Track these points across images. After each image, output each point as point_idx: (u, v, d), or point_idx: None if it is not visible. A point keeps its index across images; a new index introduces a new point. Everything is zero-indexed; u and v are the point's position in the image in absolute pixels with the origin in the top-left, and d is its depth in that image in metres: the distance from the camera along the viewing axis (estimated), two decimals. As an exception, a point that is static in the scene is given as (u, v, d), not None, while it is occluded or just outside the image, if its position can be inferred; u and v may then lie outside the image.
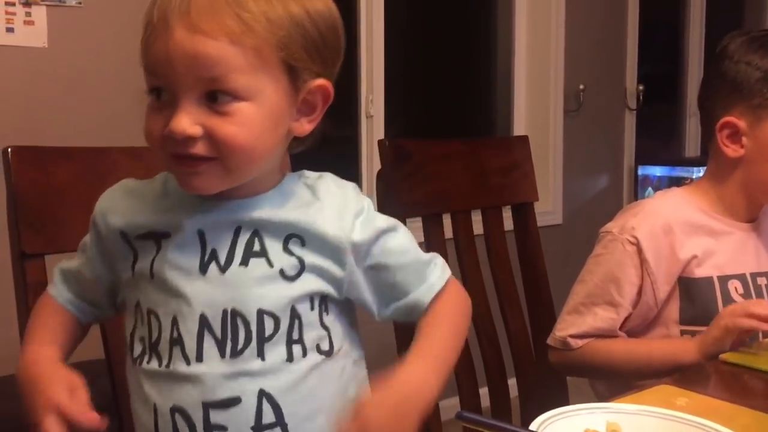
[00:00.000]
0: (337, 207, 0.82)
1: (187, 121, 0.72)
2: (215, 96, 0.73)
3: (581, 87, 2.94)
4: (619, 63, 3.12)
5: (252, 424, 0.77)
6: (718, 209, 1.23)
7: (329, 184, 0.85)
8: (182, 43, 0.72)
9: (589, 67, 2.99)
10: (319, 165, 0.88)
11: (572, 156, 2.98)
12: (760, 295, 1.20)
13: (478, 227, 1.39)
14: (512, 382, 1.38)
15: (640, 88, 3.13)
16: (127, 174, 0.96)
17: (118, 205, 0.84)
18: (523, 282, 1.47)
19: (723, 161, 1.21)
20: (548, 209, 2.93)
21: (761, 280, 1.21)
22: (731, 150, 1.19)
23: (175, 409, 0.77)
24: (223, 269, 0.78)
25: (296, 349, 0.79)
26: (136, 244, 0.82)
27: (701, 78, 1.36)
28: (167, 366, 0.78)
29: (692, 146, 3.42)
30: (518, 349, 1.41)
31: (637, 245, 1.18)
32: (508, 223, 1.45)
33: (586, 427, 0.68)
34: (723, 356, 1.03)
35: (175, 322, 0.78)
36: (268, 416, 0.78)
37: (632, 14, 3.11)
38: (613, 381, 1.21)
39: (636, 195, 3.12)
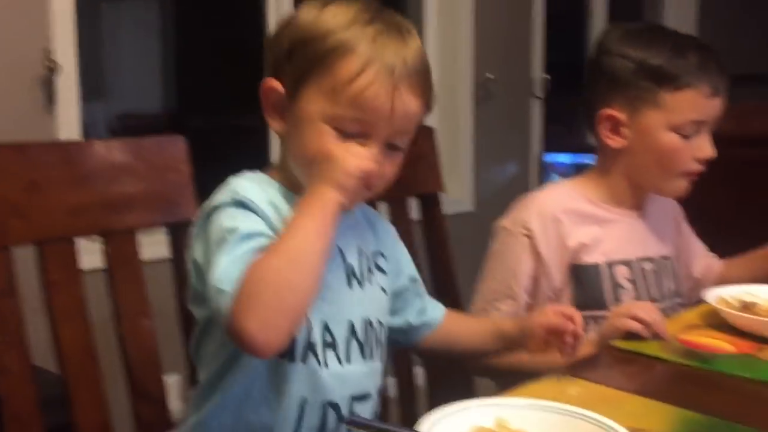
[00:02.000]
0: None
1: (377, 162, 0.84)
2: (395, 145, 0.87)
3: (490, 77, 2.99)
4: (525, 53, 3.18)
5: (371, 414, 0.93)
6: (605, 198, 1.27)
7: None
8: (406, 103, 0.84)
9: (497, 57, 3.03)
10: (229, 157, 0.88)
11: (482, 144, 3.02)
12: (645, 278, 1.24)
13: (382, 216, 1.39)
14: (419, 371, 1.40)
15: (546, 77, 3.20)
16: (9, 171, 0.91)
17: (271, 200, 0.86)
18: (430, 272, 1.48)
19: (607, 152, 1.25)
20: (459, 197, 2.97)
21: (646, 265, 1.26)
22: (613, 141, 1.23)
23: (328, 404, 0.88)
24: (361, 284, 0.92)
25: (383, 353, 0.96)
26: None
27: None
28: (326, 366, 0.87)
29: (596, 134, 3.53)
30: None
31: (530, 237, 1.20)
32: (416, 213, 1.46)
33: (474, 425, 0.69)
34: (614, 342, 1.07)
35: (326, 327, 0.88)
36: (376, 408, 0.95)
37: (538, 5, 3.17)
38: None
39: (543, 182, 3.20)
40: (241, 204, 0.83)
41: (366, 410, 0.92)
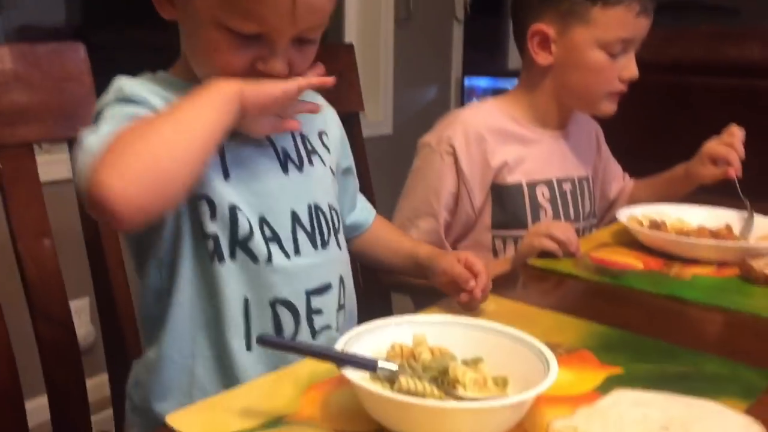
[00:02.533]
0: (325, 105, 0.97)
1: (285, 64, 0.77)
2: (305, 40, 0.78)
3: (411, -4, 2.92)
4: (447, -27, 3.12)
5: (336, 306, 0.88)
6: (528, 118, 1.27)
7: None
8: None
9: (419, -24, 2.97)
10: (136, 74, 0.83)
11: (402, 66, 2.98)
12: (564, 199, 1.26)
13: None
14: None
15: (467, 0, 3.16)
16: None
17: (163, 95, 0.79)
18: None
19: (534, 69, 1.24)
20: (379, 119, 2.94)
21: (566, 185, 1.27)
22: (541, 57, 1.22)
23: (277, 301, 0.82)
24: (300, 168, 0.86)
25: (341, 239, 0.91)
26: None
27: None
28: (268, 261, 0.81)
29: (515, 58, 3.52)
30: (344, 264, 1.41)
31: (454, 155, 1.19)
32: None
33: (392, 341, 0.68)
34: (530, 261, 1.08)
35: (264, 221, 0.82)
36: (342, 298, 0.89)
37: (461, -77, 3.09)
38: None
39: (462, 105, 3.20)
40: (127, 100, 0.76)
41: (329, 302, 0.87)
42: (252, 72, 0.77)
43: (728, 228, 1.16)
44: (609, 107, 1.25)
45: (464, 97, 3.22)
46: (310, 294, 0.85)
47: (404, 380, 0.63)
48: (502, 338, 0.69)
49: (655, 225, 1.17)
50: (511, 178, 1.21)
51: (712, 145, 1.29)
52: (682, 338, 0.83)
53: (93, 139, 0.70)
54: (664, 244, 1.11)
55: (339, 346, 0.64)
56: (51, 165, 1.26)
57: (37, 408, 1.05)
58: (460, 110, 1.28)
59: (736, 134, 1.28)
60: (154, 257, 0.83)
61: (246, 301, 0.81)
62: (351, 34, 2.93)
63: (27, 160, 0.95)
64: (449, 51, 3.21)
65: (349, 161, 1.02)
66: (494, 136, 1.22)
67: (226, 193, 0.79)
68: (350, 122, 1.46)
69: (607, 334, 0.83)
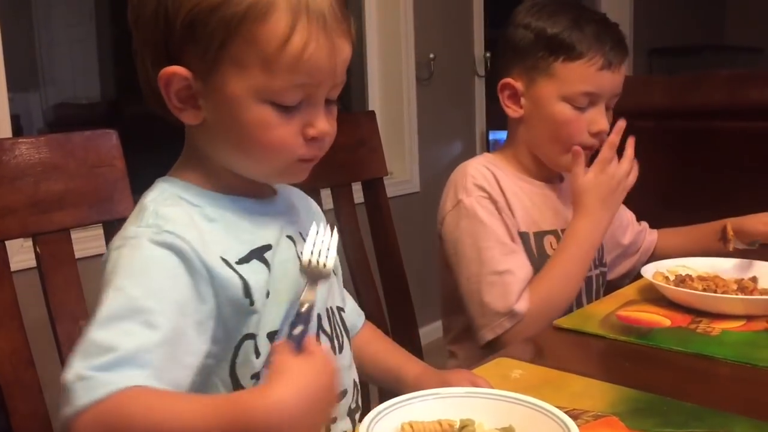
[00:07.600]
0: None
1: (327, 122, 0.76)
2: (331, 101, 0.77)
3: (431, 56, 2.99)
4: (466, 31, 3.19)
5: (347, 410, 0.84)
6: (515, 171, 1.29)
7: None
8: (344, 51, 0.74)
9: (438, 36, 3.04)
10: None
11: (426, 124, 3.03)
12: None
13: (327, 202, 1.39)
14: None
15: (487, 55, 3.22)
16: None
17: (199, 230, 0.73)
18: (376, 256, 1.49)
19: (510, 122, 1.28)
20: (406, 178, 2.98)
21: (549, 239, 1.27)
22: (512, 111, 1.26)
23: None
24: None
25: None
26: (240, 269, 0.74)
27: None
28: None
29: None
30: (374, 323, 1.43)
31: (489, 196, 1.20)
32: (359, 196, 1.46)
33: (411, 419, 0.68)
34: (556, 322, 1.08)
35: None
36: (357, 400, 0.86)
37: (477, -18, 3.17)
38: (472, 348, 1.23)
39: (488, 159, 3.23)
40: (167, 245, 0.70)
41: (343, 408, 0.82)
42: (305, 143, 0.75)
43: (754, 280, 1.15)
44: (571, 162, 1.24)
45: (489, 150, 3.25)
46: None
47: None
48: (527, 409, 0.70)
49: (681, 280, 1.16)
50: (521, 227, 1.23)
51: None
52: (710, 399, 0.82)
53: (83, 372, 0.62)
54: (690, 299, 1.10)
55: (365, 423, 0.65)
56: (87, 241, 1.31)
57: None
58: (463, 164, 1.28)
59: None
60: None
61: None
62: (374, 95, 2.99)
63: (64, 245, 0.99)
64: (472, 106, 3.26)
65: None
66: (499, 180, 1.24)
67: (268, 318, 0.76)
68: (374, 188, 1.49)
69: (635, 398, 0.83)
